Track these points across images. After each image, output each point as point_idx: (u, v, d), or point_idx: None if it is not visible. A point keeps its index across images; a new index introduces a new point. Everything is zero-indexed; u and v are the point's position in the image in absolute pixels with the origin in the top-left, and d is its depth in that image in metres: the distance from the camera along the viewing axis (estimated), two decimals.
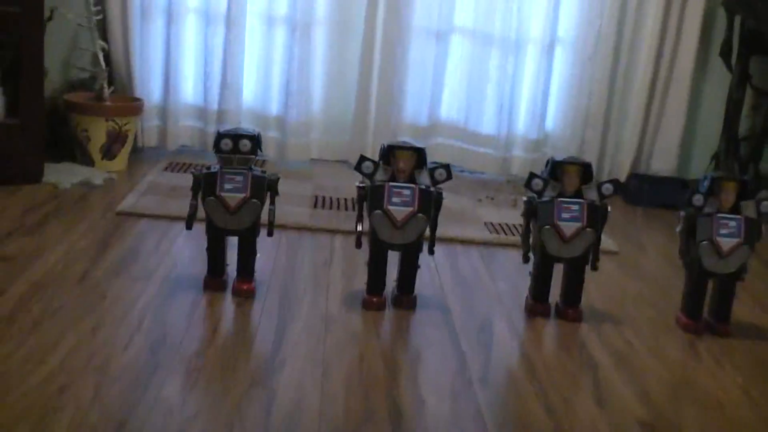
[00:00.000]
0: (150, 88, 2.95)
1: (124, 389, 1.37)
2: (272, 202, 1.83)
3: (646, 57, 3.03)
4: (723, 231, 1.81)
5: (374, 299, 1.83)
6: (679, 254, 1.89)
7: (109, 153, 2.74)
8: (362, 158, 1.81)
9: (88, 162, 2.73)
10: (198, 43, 3.00)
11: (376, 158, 1.82)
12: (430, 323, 1.79)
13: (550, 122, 3.13)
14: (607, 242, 2.36)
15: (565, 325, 1.85)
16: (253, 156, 1.80)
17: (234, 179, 1.79)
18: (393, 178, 1.80)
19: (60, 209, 2.32)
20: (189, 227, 1.82)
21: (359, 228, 1.83)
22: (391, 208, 1.78)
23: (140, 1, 2.90)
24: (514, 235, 2.42)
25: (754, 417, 1.52)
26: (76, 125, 2.73)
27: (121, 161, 2.78)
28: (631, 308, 2.01)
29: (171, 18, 2.93)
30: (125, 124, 2.75)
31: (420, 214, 1.79)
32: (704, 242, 1.81)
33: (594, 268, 1.87)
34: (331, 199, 2.64)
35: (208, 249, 1.84)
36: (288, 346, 1.60)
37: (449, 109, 3.11)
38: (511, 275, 2.12)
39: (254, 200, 1.79)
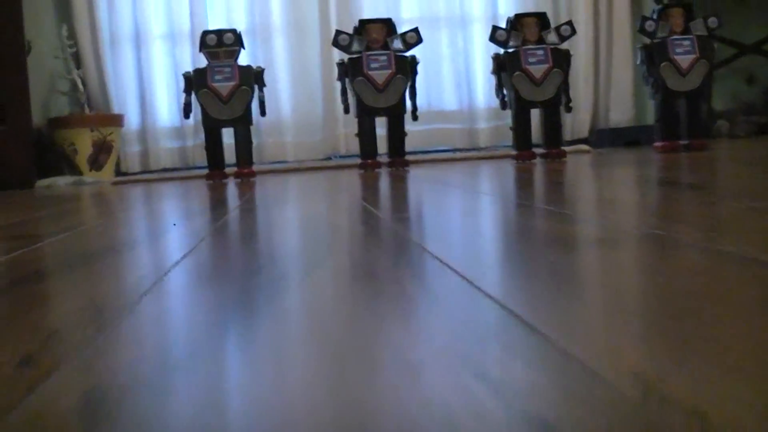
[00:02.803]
0: (128, 112, 3.09)
1: None
2: (260, 90, 1.96)
3: (585, 18, 3.24)
4: (679, 50, 1.96)
5: (369, 161, 1.94)
6: (644, 81, 2.03)
7: (96, 163, 2.85)
8: (338, 32, 1.95)
9: (77, 173, 2.83)
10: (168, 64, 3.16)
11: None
12: (426, 173, 1.90)
13: None
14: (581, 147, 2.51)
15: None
16: (238, 48, 1.93)
17: (223, 71, 1.91)
18: (368, 49, 1.94)
19: (59, 200, 2.41)
20: (186, 116, 1.93)
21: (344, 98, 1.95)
22: (371, 72, 1.91)
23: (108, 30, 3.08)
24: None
25: None
26: (63, 141, 2.85)
27: (108, 172, 2.89)
28: None
29: (140, 43, 3.11)
30: (109, 134, 2.87)
31: (399, 75, 1.92)
32: (664, 63, 1.95)
33: (567, 109, 2.00)
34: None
35: (207, 148, 1.95)
36: (293, 190, 1.71)
37: None
38: (495, 165, 2.24)
39: (244, 87, 1.91)
